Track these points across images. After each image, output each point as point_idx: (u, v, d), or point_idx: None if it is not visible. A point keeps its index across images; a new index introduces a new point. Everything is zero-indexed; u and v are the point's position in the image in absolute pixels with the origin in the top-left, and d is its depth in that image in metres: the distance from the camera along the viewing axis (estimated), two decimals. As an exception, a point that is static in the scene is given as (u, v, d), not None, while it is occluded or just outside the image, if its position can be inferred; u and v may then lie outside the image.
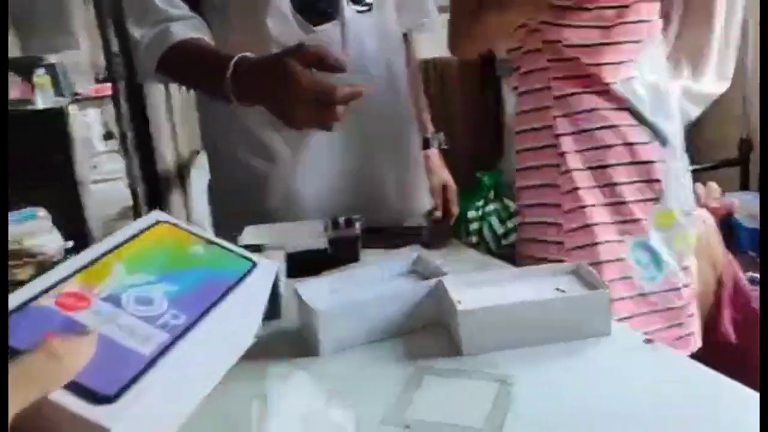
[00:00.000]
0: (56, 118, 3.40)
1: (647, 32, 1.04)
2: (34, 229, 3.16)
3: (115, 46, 2.11)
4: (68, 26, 8.85)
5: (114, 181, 5.85)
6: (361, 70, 1.12)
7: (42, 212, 3.44)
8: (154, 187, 2.27)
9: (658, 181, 1.04)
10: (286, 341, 0.78)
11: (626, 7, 1.00)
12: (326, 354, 0.73)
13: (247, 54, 0.97)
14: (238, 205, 1.21)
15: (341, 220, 1.00)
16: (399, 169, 1.24)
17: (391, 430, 0.60)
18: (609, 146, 1.03)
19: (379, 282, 0.83)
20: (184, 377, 0.38)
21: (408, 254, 0.91)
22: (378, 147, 1.20)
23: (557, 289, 0.77)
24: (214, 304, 0.42)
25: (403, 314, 0.77)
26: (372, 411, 0.63)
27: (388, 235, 1.11)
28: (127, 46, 2.09)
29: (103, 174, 5.80)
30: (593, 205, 1.02)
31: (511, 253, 1.21)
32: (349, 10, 1.12)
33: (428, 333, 0.77)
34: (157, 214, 0.49)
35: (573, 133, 1.02)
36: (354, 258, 0.98)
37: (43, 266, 2.97)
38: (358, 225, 1.01)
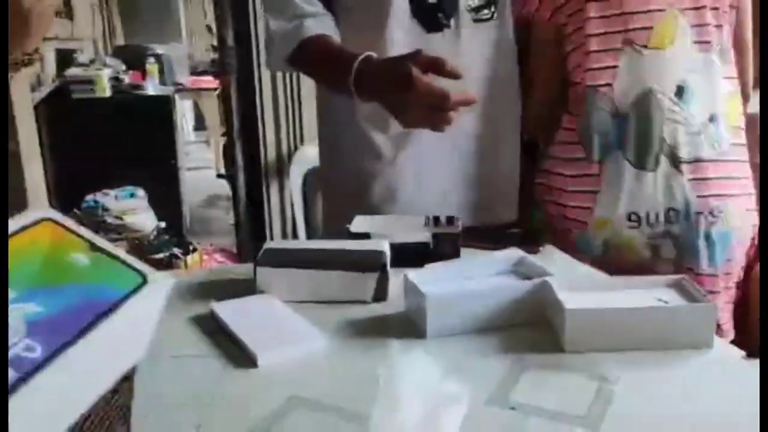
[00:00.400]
0: (163, 105, 3.60)
1: None
2: (134, 207, 3.36)
3: (230, 41, 2.23)
4: (173, 20, 9.31)
5: (202, 170, 6.15)
6: (471, 75, 1.16)
7: (141, 192, 3.65)
8: (255, 177, 2.38)
9: None
10: (395, 323, 0.84)
11: None
12: (432, 337, 0.78)
13: (372, 54, 1.04)
14: (345, 197, 1.27)
15: (443, 217, 1.05)
16: (502, 173, 1.27)
17: (496, 411, 0.65)
18: None
19: (483, 277, 0.88)
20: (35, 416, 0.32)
21: (508, 254, 0.95)
22: (484, 150, 1.24)
23: (660, 300, 0.80)
24: (86, 330, 0.35)
25: (506, 308, 0.81)
26: (476, 393, 0.67)
27: (486, 235, 1.15)
28: (241, 42, 2.24)
29: (192, 162, 6.08)
30: None
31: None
32: (466, 20, 1.16)
33: (529, 329, 0.80)
34: (45, 212, 0.42)
35: None
36: (455, 254, 1.02)
37: (139, 242, 3.15)
38: (459, 223, 1.06)
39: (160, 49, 5.89)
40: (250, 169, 2.37)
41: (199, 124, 7.79)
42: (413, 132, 1.14)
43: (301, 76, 2.37)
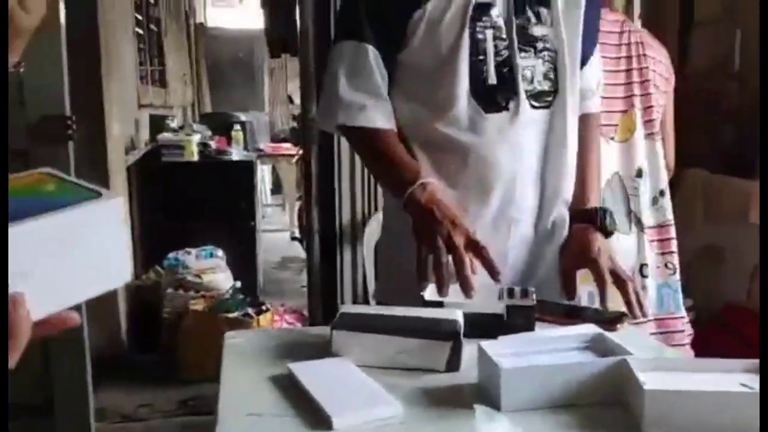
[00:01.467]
0: (246, 170, 3.76)
1: None
2: (213, 266, 3.47)
3: (313, 111, 2.34)
4: (257, 90, 9.80)
5: (276, 232, 6.34)
6: (526, 158, 1.20)
7: (220, 252, 3.77)
8: (329, 242, 2.44)
9: None
10: (468, 393, 0.84)
11: None
12: (506, 410, 0.78)
13: (429, 182, 1.12)
14: (402, 273, 1.23)
15: (517, 289, 1.06)
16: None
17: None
18: None
19: (559, 352, 0.87)
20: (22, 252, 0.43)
21: (584, 330, 0.94)
22: (540, 241, 1.24)
23: (743, 385, 0.77)
24: (47, 211, 0.45)
25: (582, 385, 0.80)
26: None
27: (559, 310, 1.14)
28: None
29: (268, 224, 6.28)
30: None
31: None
32: (524, 104, 1.18)
33: (605, 408, 0.79)
34: (47, 169, 0.52)
35: None
36: (529, 327, 1.02)
37: (215, 300, 3.24)
38: (533, 296, 1.06)
39: (243, 117, 6.23)
40: (326, 234, 2.44)
41: (276, 188, 8.08)
42: (470, 214, 1.17)
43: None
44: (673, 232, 1.78)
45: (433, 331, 0.92)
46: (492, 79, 1.16)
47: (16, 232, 0.43)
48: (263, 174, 7.21)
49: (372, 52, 1.16)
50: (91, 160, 2.94)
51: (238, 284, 3.46)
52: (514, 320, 1.02)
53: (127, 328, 3.31)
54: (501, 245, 1.19)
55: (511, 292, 1.06)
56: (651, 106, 1.76)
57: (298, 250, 5.74)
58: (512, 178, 1.19)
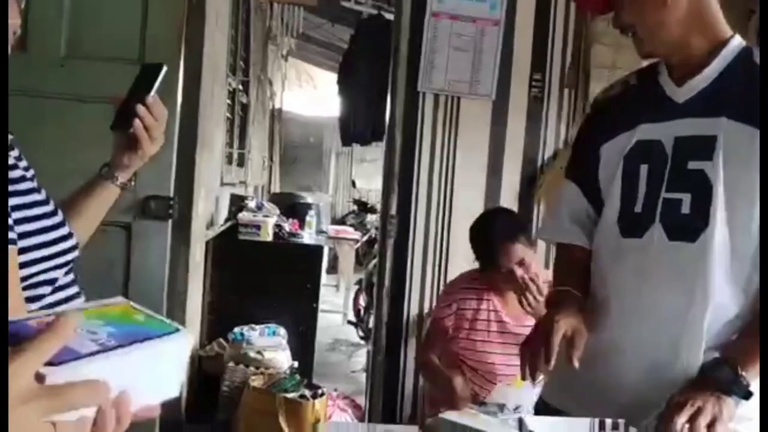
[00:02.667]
0: (315, 253, 3.93)
1: None
2: (274, 345, 3.60)
3: (393, 209, 2.50)
4: (322, 173, 10.18)
5: (329, 314, 6.44)
6: (651, 293, 1.25)
7: (282, 331, 3.91)
8: (396, 334, 2.55)
9: None
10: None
11: None
12: None
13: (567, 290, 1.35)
14: None
15: (608, 422, 1.10)
16: None
17: None
18: None
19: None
20: (108, 371, 0.56)
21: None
22: (661, 379, 1.24)
23: None
24: (138, 341, 0.60)
25: None
26: None
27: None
28: (404, 209, 2.52)
29: (321, 305, 6.39)
30: None
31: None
32: (659, 235, 1.24)
33: None
34: (126, 301, 0.68)
35: None
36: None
37: (273, 378, 3.34)
38: (631, 428, 1.10)
39: (310, 198, 6.49)
40: (393, 326, 2.55)
41: (330, 268, 8.25)
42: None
43: (449, 246, 2.59)
44: None
45: None
46: (638, 208, 1.27)
47: (130, 352, 0.59)
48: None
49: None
50: (178, 234, 3.15)
51: (296, 364, 3.56)
52: None
53: (187, 397, 3.42)
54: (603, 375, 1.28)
55: (602, 426, 1.10)
56: None
57: (349, 334, 5.83)
58: (633, 301, 1.27)
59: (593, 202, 1.40)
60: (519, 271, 1.97)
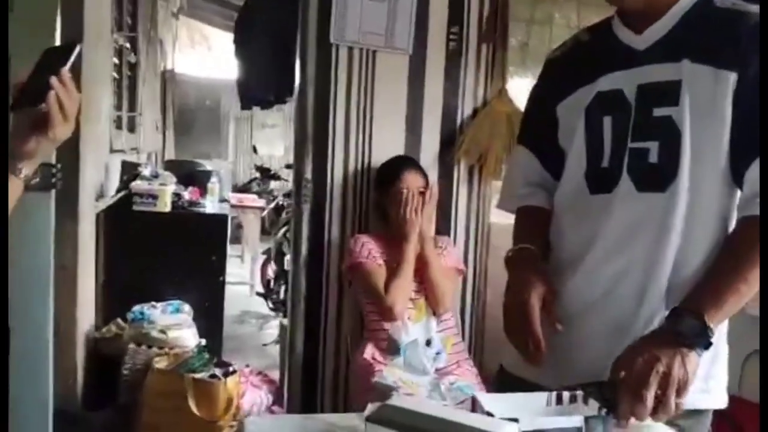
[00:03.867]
0: (219, 223, 3.68)
1: None
2: (179, 322, 3.36)
3: (308, 173, 2.32)
4: (221, 139, 9.77)
5: (235, 285, 6.19)
6: (618, 246, 1.19)
7: (187, 307, 3.66)
8: (315, 304, 2.39)
9: None
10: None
11: None
12: None
13: (528, 247, 1.29)
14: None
15: (565, 395, 1.01)
16: None
17: None
18: None
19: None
20: None
21: None
22: (624, 333, 1.18)
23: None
24: None
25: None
26: None
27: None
28: (319, 173, 2.34)
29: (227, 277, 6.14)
30: None
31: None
32: (628, 187, 1.19)
33: None
34: None
35: None
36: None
37: (180, 359, 3.12)
38: (590, 401, 1.01)
39: (208, 165, 6.15)
40: (312, 297, 2.38)
41: (234, 239, 7.94)
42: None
43: (368, 220, 2.46)
44: None
45: None
46: (605, 163, 1.22)
47: None
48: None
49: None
50: (64, 206, 2.83)
51: (204, 342, 3.35)
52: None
53: (83, 383, 3.14)
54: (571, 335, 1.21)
55: (559, 398, 1.01)
56: None
57: (258, 305, 5.63)
58: (599, 257, 1.21)
59: (550, 168, 1.37)
60: (403, 189, 2.21)
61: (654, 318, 1.17)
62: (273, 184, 7.35)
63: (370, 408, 0.95)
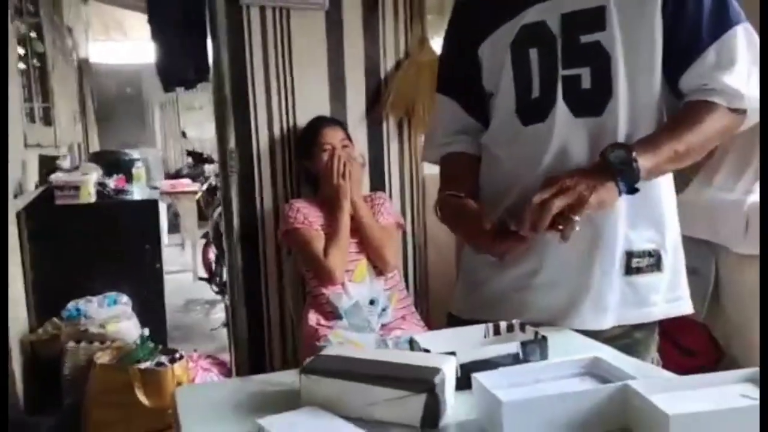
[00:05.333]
0: (149, 209, 3.54)
1: None
2: (117, 314, 3.24)
3: (232, 143, 2.23)
4: (147, 127, 9.45)
5: (177, 274, 6.05)
6: (567, 165, 1.18)
7: (125, 298, 3.53)
8: (254, 278, 2.32)
9: None
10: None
11: None
12: (514, 449, 0.73)
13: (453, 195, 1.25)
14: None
15: (503, 325, 0.99)
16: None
17: None
18: None
19: (556, 380, 0.83)
20: None
21: (580, 356, 0.90)
22: (575, 254, 1.18)
23: (744, 396, 0.76)
24: None
25: (586, 415, 0.76)
26: None
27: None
28: (244, 141, 2.25)
29: (167, 265, 5.99)
30: None
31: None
32: (563, 114, 1.18)
33: (613, 437, 0.75)
34: None
35: None
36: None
37: (123, 351, 3.01)
38: (528, 327, 1.00)
39: (136, 154, 5.94)
40: (250, 272, 2.31)
41: (172, 227, 7.75)
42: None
43: (299, 186, 2.40)
44: None
45: (406, 381, 0.81)
46: (535, 93, 1.21)
47: None
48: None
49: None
50: (-24, 206, 2.68)
51: (147, 332, 3.24)
52: (531, 358, 0.92)
53: (23, 388, 3.00)
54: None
55: (497, 329, 1.00)
56: None
57: (203, 292, 5.50)
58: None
59: (474, 113, 1.35)
60: (325, 145, 2.19)
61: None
62: (207, 168, 7.17)
63: (308, 361, 0.91)
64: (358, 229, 2.15)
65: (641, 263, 1.18)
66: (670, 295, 1.22)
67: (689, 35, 1.14)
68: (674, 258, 1.23)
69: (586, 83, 1.17)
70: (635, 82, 1.16)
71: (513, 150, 1.26)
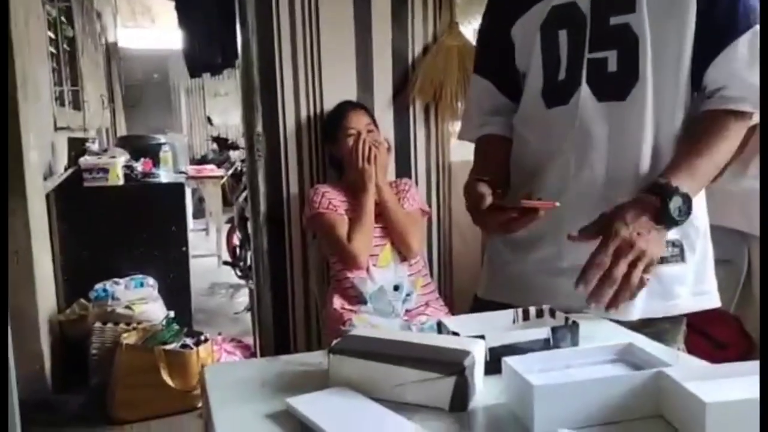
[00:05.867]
0: (175, 192, 3.58)
1: None
2: (144, 296, 3.28)
3: (259, 127, 2.23)
4: (173, 112, 9.52)
5: (202, 258, 6.10)
6: (584, 155, 1.17)
7: (151, 280, 3.58)
8: (280, 261, 2.33)
9: None
10: (499, 415, 0.77)
11: None
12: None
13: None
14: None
15: (532, 310, 0.99)
16: None
17: None
18: None
19: (588, 366, 0.82)
20: None
21: (613, 343, 0.89)
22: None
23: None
24: None
25: (619, 401, 0.75)
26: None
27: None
28: (271, 126, 2.26)
29: (192, 250, 6.04)
30: None
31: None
32: (587, 98, 1.16)
33: (646, 423, 0.74)
34: None
35: None
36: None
37: (149, 333, 3.05)
38: (558, 312, 0.99)
39: (163, 139, 5.99)
40: (275, 255, 2.32)
41: (198, 212, 7.82)
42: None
43: (325, 170, 2.40)
44: None
45: (436, 363, 0.80)
46: (561, 75, 1.20)
47: None
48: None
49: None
50: (11, 189, 2.72)
51: (172, 314, 3.28)
52: (561, 344, 0.91)
53: (51, 367, 3.06)
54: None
55: (526, 314, 0.99)
56: None
57: (227, 276, 5.55)
58: (565, 169, 1.18)
59: (508, 92, 1.33)
60: (350, 130, 2.19)
61: None
62: (232, 154, 7.21)
63: (336, 341, 0.91)
64: (382, 214, 2.15)
65: (665, 253, 1.14)
66: (696, 288, 1.20)
67: (723, 21, 1.11)
68: (701, 249, 1.21)
69: (612, 66, 1.15)
70: (663, 68, 1.13)
71: (538, 132, 1.25)
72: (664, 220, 1.02)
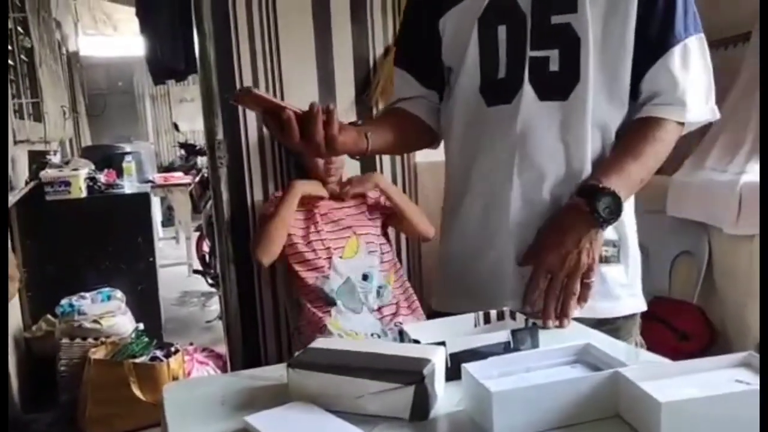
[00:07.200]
0: (141, 202, 3.53)
1: None
2: (112, 310, 3.22)
3: (220, 134, 2.20)
4: (139, 121, 9.38)
5: (172, 267, 6.02)
6: (528, 156, 1.16)
7: (119, 293, 3.51)
8: (246, 268, 2.31)
9: None
10: (458, 422, 0.76)
11: None
12: (502, 439, 0.71)
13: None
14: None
15: (493, 313, 0.98)
16: None
17: None
18: None
19: (546, 368, 0.82)
20: None
21: (570, 343, 0.89)
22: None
23: (738, 381, 0.75)
24: None
25: (577, 403, 0.74)
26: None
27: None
28: (233, 132, 2.23)
29: (162, 259, 5.96)
30: None
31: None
32: (529, 97, 1.15)
33: (605, 424, 0.74)
34: None
35: None
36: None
37: (118, 346, 2.99)
38: (518, 315, 0.98)
39: (129, 148, 5.90)
40: (241, 261, 2.30)
41: (166, 221, 7.73)
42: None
43: (290, 176, 2.37)
44: None
45: (395, 373, 0.79)
46: (501, 74, 1.17)
47: None
48: (153, 207, 6.87)
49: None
50: (-35, 204, 2.65)
51: (141, 326, 3.23)
52: (521, 346, 0.90)
53: (19, 386, 2.99)
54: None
55: (486, 317, 0.98)
56: None
57: (198, 284, 5.49)
58: (509, 170, 1.17)
59: (432, 86, 1.30)
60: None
61: None
62: (200, 160, 7.13)
63: (296, 354, 0.90)
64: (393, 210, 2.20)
65: (607, 252, 1.16)
66: (630, 291, 1.22)
67: (661, 28, 1.12)
68: (633, 252, 1.22)
69: (554, 66, 1.14)
70: (604, 69, 1.14)
71: (475, 131, 1.22)
72: (594, 220, 1.06)
